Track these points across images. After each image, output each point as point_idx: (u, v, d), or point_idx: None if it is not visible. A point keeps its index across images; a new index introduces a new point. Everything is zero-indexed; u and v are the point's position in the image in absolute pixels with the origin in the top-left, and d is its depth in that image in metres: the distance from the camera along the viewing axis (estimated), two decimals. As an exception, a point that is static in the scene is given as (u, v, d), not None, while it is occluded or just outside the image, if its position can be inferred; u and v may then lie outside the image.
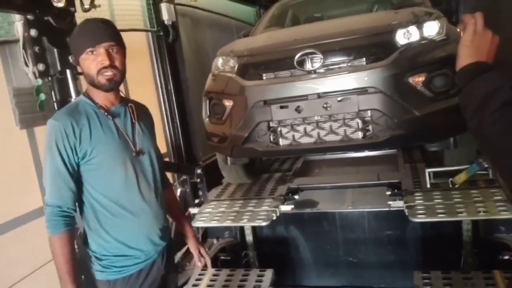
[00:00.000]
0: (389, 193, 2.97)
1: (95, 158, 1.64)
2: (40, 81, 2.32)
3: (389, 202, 2.86)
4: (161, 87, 3.74)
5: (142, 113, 1.87)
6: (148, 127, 1.88)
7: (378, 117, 2.46)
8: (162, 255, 1.85)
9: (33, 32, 2.25)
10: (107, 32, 1.64)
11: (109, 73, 1.62)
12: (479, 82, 1.08)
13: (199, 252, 2.10)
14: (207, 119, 3.03)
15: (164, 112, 3.80)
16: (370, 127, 2.50)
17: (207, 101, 3.00)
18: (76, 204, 1.68)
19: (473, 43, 1.14)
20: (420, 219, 2.59)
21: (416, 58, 2.45)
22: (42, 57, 2.28)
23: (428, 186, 2.87)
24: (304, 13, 4.07)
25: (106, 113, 1.69)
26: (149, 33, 3.71)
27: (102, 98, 1.71)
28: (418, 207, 2.67)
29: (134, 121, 1.77)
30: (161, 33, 3.71)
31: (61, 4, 2.15)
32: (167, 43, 3.74)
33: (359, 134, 2.54)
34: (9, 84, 2.43)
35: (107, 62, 1.61)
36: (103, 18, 1.75)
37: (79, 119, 1.63)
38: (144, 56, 3.70)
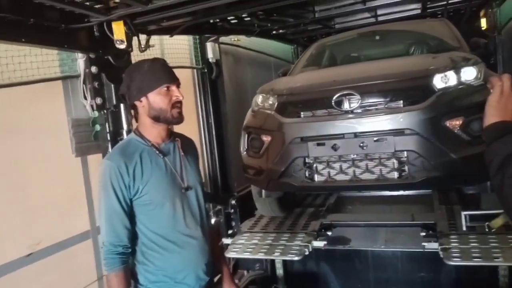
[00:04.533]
0: (423, 234, 2.92)
1: (146, 195, 1.70)
2: (96, 114, 2.51)
3: (423, 244, 2.83)
4: (203, 120, 3.95)
5: (188, 147, 1.93)
6: (194, 161, 1.94)
7: (414, 158, 2.49)
8: None
9: (93, 69, 2.47)
10: (173, 72, 1.79)
11: (180, 107, 1.76)
12: (502, 142, 1.09)
13: None
14: (245, 152, 3.12)
15: (203, 144, 3.97)
16: (406, 168, 2.53)
17: (246, 135, 3.11)
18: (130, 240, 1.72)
19: (499, 104, 1.16)
20: (456, 262, 2.55)
21: (453, 102, 2.48)
22: (100, 91, 2.49)
23: (464, 229, 2.82)
24: (341, 54, 4.18)
25: (157, 151, 1.76)
26: (194, 70, 3.94)
27: (155, 135, 1.78)
28: (454, 250, 2.63)
29: (181, 156, 1.83)
30: (205, 70, 3.93)
31: (123, 46, 2.36)
32: (210, 79, 3.96)
33: (395, 174, 2.57)
34: (68, 115, 2.64)
35: (181, 98, 1.76)
36: (163, 59, 1.87)
37: (131, 157, 1.69)
38: (189, 91, 3.91)
